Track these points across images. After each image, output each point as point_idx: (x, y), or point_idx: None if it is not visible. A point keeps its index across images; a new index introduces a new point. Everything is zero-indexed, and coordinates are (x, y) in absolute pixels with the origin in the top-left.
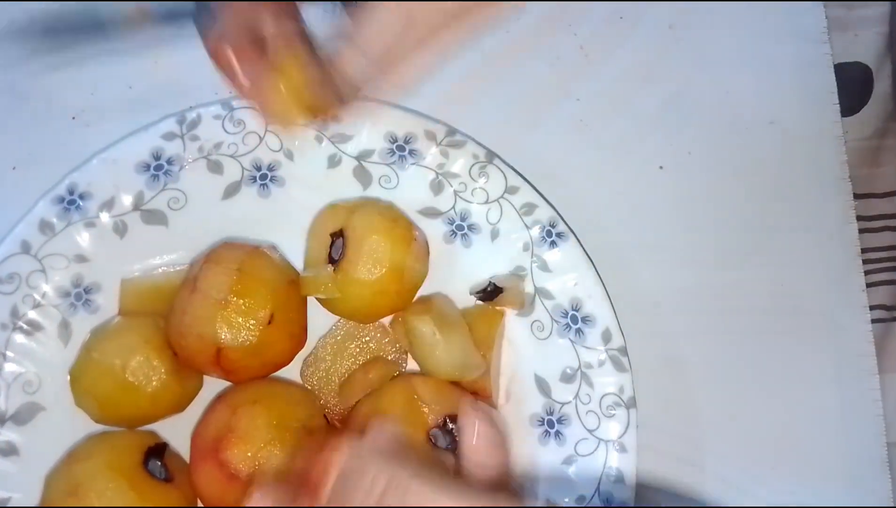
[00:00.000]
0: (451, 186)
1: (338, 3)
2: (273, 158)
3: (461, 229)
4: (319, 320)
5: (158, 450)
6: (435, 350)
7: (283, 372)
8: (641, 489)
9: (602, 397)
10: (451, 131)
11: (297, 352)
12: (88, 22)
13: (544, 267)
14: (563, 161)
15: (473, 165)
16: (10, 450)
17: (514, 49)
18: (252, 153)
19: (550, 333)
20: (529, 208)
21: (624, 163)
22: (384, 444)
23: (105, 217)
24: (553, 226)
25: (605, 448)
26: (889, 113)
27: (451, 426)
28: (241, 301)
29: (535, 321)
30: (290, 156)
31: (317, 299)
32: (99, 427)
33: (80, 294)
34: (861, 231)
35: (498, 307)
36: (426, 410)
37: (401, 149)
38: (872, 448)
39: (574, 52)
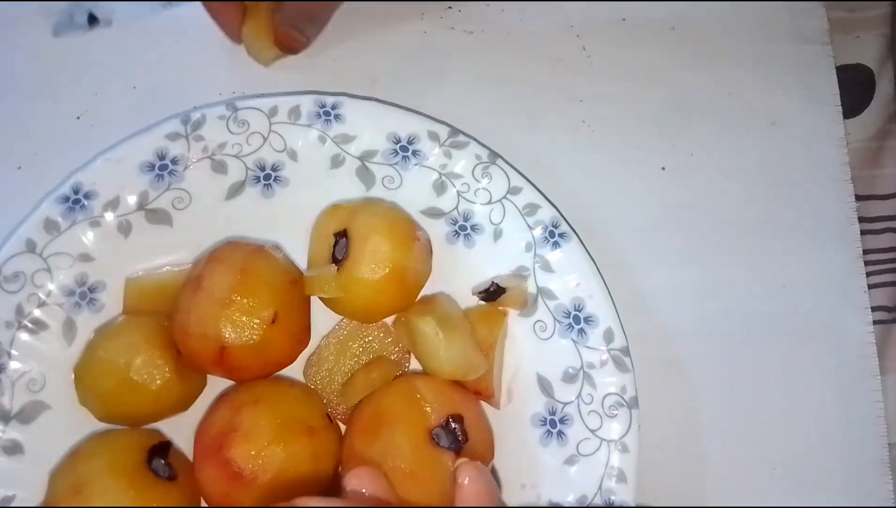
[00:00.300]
0: (454, 186)
1: None
2: (277, 158)
3: (464, 229)
4: (322, 319)
5: (162, 449)
6: (438, 350)
7: (286, 371)
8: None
9: (604, 397)
10: (454, 132)
11: (301, 351)
12: None
13: (546, 267)
14: (566, 162)
15: (476, 165)
16: (14, 448)
17: (516, 50)
18: (256, 153)
19: (553, 333)
20: (532, 209)
21: (626, 164)
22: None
23: (109, 217)
24: (555, 226)
25: (607, 448)
26: (891, 115)
27: (453, 425)
28: (245, 300)
29: (538, 321)
30: (293, 156)
31: (320, 298)
32: (102, 426)
33: (85, 293)
34: (863, 233)
35: (500, 308)
36: (429, 409)
37: (404, 149)
38: (873, 450)
39: (577, 53)
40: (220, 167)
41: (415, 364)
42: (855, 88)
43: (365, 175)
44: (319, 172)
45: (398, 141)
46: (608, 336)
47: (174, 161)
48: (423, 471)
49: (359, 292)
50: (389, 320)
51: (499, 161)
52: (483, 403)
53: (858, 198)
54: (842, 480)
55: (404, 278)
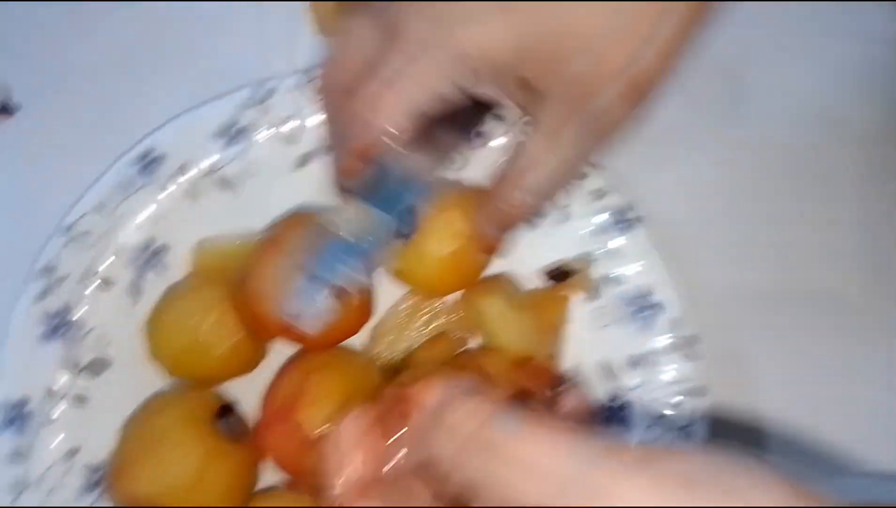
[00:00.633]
0: None
1: None
2: None
3: None
4: (387, 291)
5: (229, 409)
6: (506, 327)
7: (349, 342)
8: None
9: (668, 385)
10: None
11: (364, 323)
12: None
13: (612, 254)
14: (626, 154)
15: None
16: (82, 400)
17: None
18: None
19: (616, 319)
20: (599, 194)
21: (689, 157)
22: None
23: (179, 181)
24: (623, 213)
25: (670, 437)
26: None
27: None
28: None
29: (601, 306)
30: None
31: (385, 270)
32: (163, 386)
33: (151, 255)
34: None
35: (563, 292)
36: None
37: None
38: None
39: None
40: (290, 137)
41: (474, 344)
42: None
43: None
44: None
45: None
46: (674, 324)
47: (245, 130)
48: None
49: (425, 266)
50: (451, 297)
51: None
52: None
53: None
54: None
55: (471, 255)
